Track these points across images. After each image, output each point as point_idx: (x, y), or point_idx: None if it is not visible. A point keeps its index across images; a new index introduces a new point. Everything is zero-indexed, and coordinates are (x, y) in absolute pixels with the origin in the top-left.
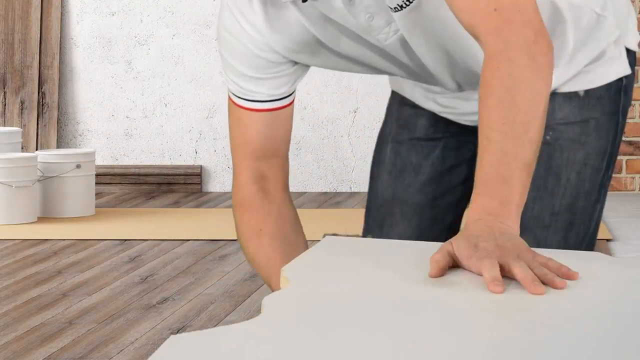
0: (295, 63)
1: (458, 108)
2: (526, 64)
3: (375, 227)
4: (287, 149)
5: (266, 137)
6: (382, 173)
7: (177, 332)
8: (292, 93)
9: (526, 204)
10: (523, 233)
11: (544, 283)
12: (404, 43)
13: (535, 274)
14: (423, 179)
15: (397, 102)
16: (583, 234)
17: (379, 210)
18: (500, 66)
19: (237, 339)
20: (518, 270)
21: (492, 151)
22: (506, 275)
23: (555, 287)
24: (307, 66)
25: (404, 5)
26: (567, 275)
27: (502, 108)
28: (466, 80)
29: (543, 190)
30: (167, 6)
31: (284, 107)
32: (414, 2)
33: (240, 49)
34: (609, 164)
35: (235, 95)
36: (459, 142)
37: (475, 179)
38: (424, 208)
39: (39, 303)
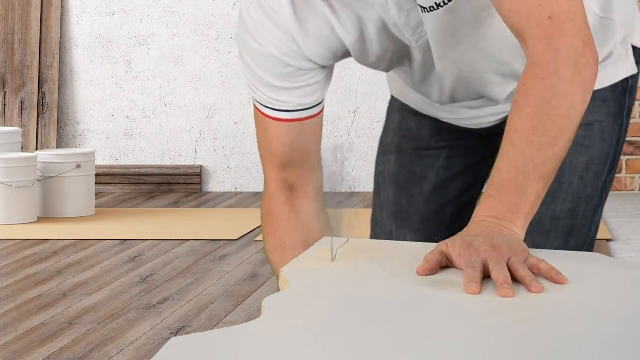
0: (325, 68)
1: (463, 113)
2: (571, 78)
3: (383, 239)
4: (317, 160)
5: (293, 148)
6: (387, 184)
7: (177, 332)
8: (322, 102)
9: None
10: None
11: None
12: (427, 48)
13: (518, 276)
14: (429, 189)
15: (398, 109)
16: (583, 239)
17: (386, 223)
18: (545, 77)
19: (237, 340)
20: (494, 272)
21: (513, 158)
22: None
23: (530, 291)
24: (332, 71)
25: (442, 4)
26: (555, 279)
27: (536, 119)
28: (459, 98)
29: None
30: (167, 6)
31: (312, 116)
32: (450, 3)
33: (265, 57)
34: (612, 167)
35: (262, 105)
36: (464, 148)
37: (489, 179)
38: (432, 217)
39: (39, 303)
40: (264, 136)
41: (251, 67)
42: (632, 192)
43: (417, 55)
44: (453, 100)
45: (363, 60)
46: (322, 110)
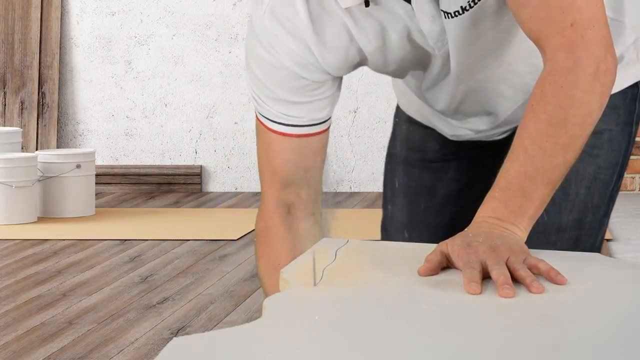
0: (336, 80)
1: (465, 133)
2: (589, 86)
3: None
4: (319, 178)
5: (296, 166)
6: (396, 196)
7: (177, 332)
8: (330, 118)
9: None
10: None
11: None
12: (448, 56)
13: (517, 276)
14: (439, 201)
15: (405, 120)
16: (589, 248)
17: (397, 234)
18: (564, 85)
19: (239, 341)
20: (494, 272)
21: (523, 162)
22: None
23: (530, 292)
24: (340, 84)
25: (467, 8)
26: (554, 279)
27: (551, 126)
28: (464, 109)
29: (550, 205)
30: (167, 6)
31: (320, 132)
32: (475, 7)
33: (278, 69)
34: (619, 176)
35: (267, 119)
36: (472, 160)
37: (496, 180)
38: (443, 229)
39: (39, 303)
40: (265, 151)
41: (259, 79)
42: (632, 192)
43: (436, 63)
44: (457, 111)
45: (381, 68)
46: (328, 128)
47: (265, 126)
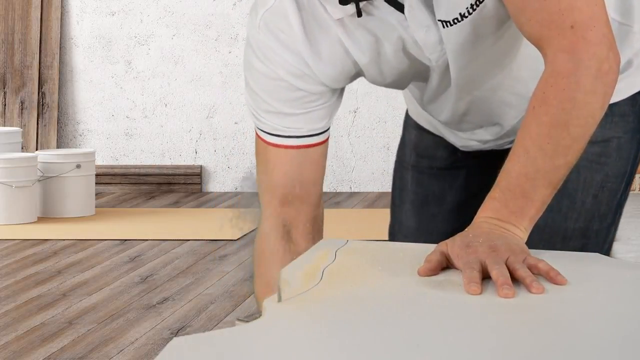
0: (335, 90)
1: (472, 145)
2: (591, 87)
3: None
4: (318, 195)
5: (294, 179)
6: (404, 202)
7: (177, 332)
8: (329, 129)
9: (537, 226)
10: None
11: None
12: (446, 67)
13: (517, 275)
14: (448, 208)
15: (413, 126)
16: None
17: (404, 241)
18: (566, 88)
19: (239, 341)
20: (494, 272)
21: (524, 163)
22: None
23: (530, 292)
24: (342, 93)
25: (466, 15)
26: (554, 279)
27: (553, 128)
28: (469, 120)
29: (556, 213)
30: (167, 6)
31: (318, 144)
32: (474, 12)
33: (274, 81)
34: (627, 184)
35: (265, 132)
36: (482, 167)
37: (496, 180)
38: (451, 236)
39: (39, 303)
40: (264, 168)
41: (256, 93)
42: (632, 192)
43: (435, 75)
44: (461, 122)
45: (378, 81)
46: (327, 139)
47: (264, 140)
